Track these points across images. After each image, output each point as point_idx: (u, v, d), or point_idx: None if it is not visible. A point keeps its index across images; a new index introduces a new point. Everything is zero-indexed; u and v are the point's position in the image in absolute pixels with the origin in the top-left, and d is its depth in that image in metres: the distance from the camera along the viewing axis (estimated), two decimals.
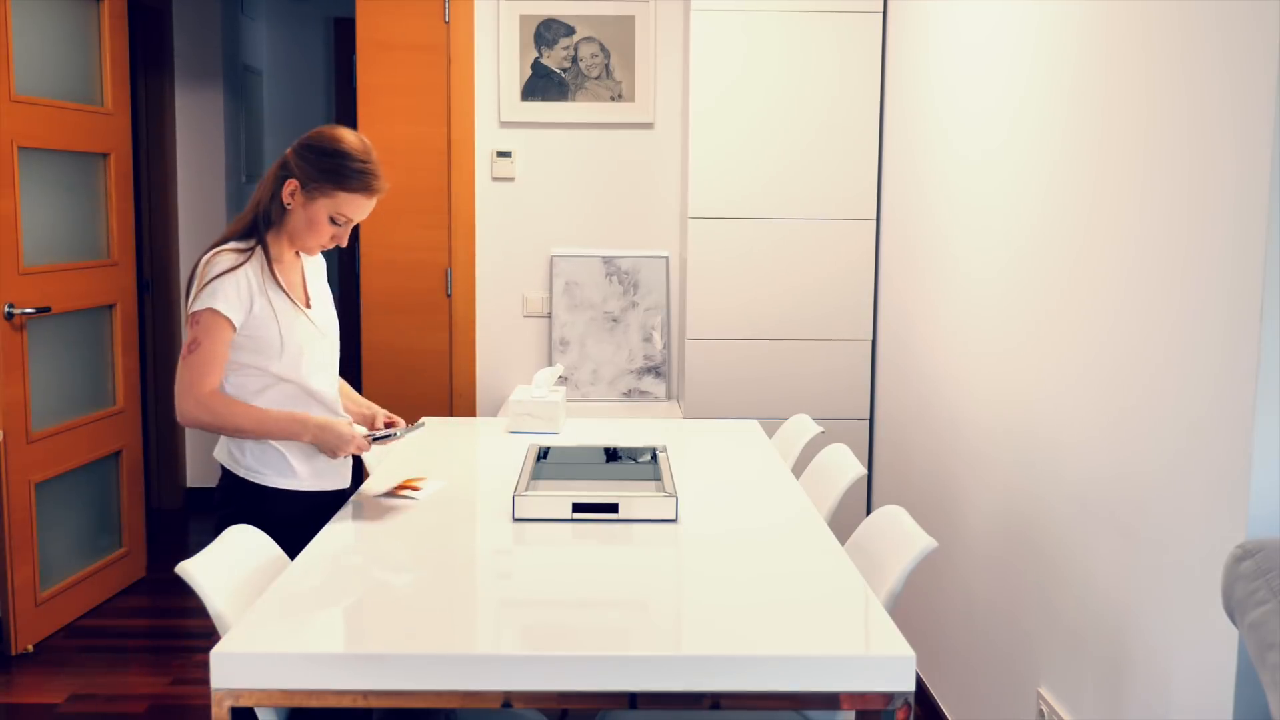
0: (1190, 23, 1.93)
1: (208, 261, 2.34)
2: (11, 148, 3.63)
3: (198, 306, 2.29)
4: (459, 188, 4.32)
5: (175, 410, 2.32)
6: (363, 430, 2.50)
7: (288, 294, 2.39)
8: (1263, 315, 1.70)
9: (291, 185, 2.37)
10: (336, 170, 2.35)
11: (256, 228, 2.40)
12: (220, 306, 2.29)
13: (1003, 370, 2.77)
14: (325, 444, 2.37)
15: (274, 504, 2.38)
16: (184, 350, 2.31)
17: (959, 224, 3.13)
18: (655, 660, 1.70)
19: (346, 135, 2.39)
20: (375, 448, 2.54)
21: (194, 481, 5.44)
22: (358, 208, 2.39)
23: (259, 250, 2.38)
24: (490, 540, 2.35)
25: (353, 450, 2.40)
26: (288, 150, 2.41)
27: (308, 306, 2.46)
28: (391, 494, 2.53)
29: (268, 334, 2.35)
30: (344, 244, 2.44)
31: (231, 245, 2.37)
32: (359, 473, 2.67)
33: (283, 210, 2.39)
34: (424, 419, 2.79)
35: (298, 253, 2.48)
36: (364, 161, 2.37)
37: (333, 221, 2.39)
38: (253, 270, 2.34)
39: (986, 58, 2.92)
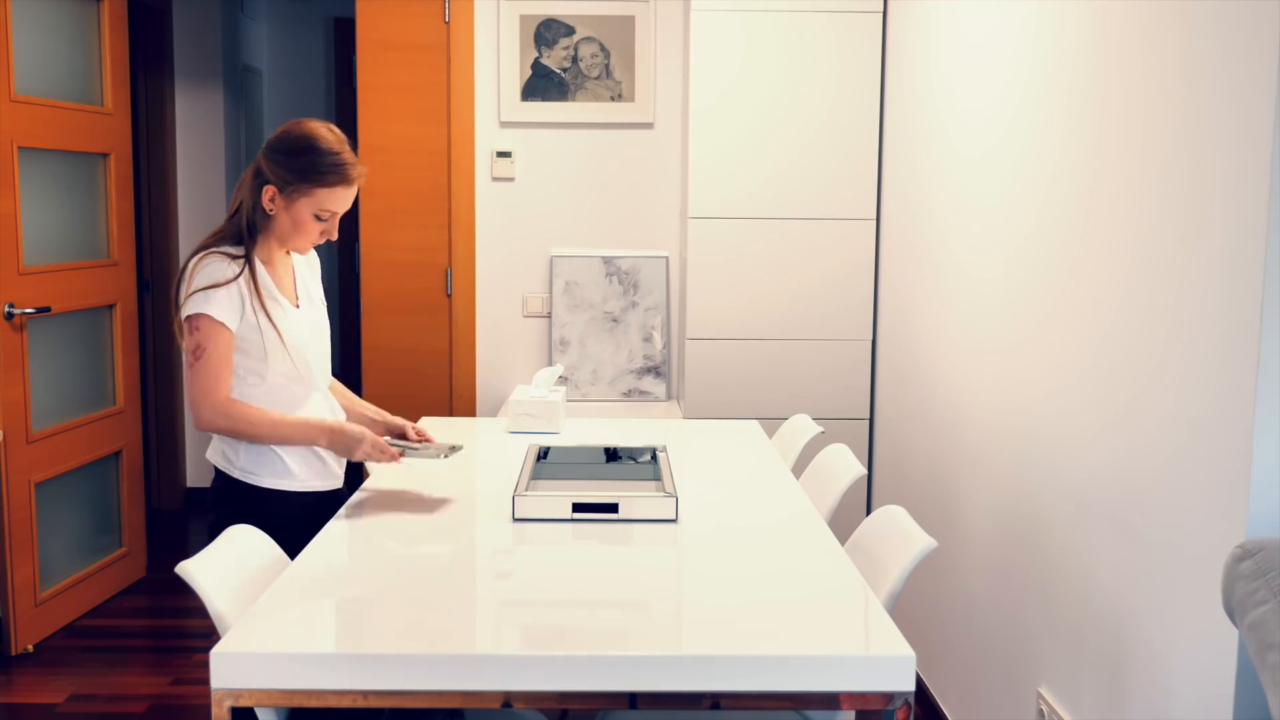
0: (1189, 22, 1.93)
1: (197, 264, 2.32)
2: (11, 148, 3.63)
3: (193, 311, 2.29)
4: (459, 188, 4.32)
5: (194, 418, 2.32)
6: (397, 443, 2.49)
7: (265, 306, 2.35)
8: (1263, 315, 1.70)
9: (270, 191, 2.34)
10: (311, 168, 2.32)
11: (243, 238, 2.38)
12: (215, 313, 2.28)
13: (1003, 370, 2.77)
14: (340, 446, 2.38)
15: (269, 505, 2.37)
16: (188, 357, 2.30)
17: (959, 224, 3.12)
18: (655, 660, 1.70)
19: (314, 128, 2.35)
20: (409, 461, 2.51)
21: (194, 481, 5.44)
22: (339, 200, 2.36)
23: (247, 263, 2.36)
24: (490, 540, 2.35)
25: (369, 453, 2.37)
26: (259, 154, 2.37)
27: (296, 307, 2.45)
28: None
29: (256, 341, 2.34)
30: (334, 237, 2.42)
31: (226, 249, 2.35)
32: (354, 474, 2.66)
33: (266, 216, 2.37)
34: (462, 444, 2.64)
35: (288, 251, 2.47)
36: (336, 153, 2.33)
37: (317, 218, 2.37)
38: (245, 280, 2.33)
39: (986, 57, 2.92)
